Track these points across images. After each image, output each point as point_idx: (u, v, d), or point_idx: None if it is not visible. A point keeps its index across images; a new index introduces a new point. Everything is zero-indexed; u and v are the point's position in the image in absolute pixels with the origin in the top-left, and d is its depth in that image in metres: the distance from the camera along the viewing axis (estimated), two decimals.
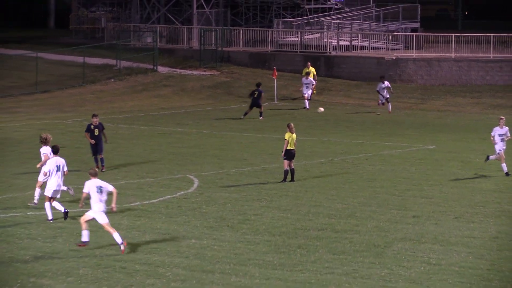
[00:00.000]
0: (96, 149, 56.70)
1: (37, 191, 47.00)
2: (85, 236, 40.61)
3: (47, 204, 45.32)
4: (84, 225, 40.83)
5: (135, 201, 47.48)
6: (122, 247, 40.27)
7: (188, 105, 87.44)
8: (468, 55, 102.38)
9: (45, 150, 48.37)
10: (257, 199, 48.15)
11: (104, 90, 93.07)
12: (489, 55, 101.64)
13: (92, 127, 56.80)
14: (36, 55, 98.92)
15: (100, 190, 41.27)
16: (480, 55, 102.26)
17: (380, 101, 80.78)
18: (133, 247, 39.16)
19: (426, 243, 39.61)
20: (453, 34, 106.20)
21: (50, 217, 44.85)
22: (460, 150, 64.99)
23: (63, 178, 46.51)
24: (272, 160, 57.29)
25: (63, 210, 44.33)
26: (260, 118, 77.32)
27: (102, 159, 56.59)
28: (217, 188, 50.96)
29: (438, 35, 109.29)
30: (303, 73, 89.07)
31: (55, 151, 46.76)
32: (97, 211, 40.59)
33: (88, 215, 40.63)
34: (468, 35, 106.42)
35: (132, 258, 37.37)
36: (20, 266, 36.54)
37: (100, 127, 57.53)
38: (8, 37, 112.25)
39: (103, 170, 55.14)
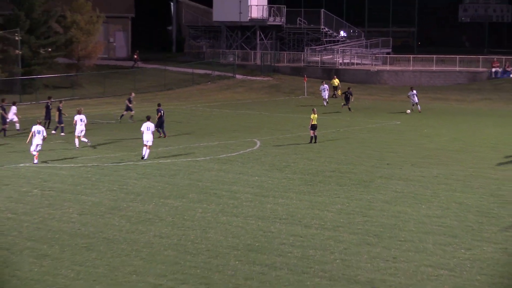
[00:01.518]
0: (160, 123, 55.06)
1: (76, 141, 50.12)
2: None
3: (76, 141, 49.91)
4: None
5: (222, 154, 48.73)
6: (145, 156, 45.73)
7: (254, 98, 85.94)
8: (420, 68, 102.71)
9: (77, 117, 50.16)
10: (294, 153, 48.87)
11: (204, 88, 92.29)
12: (432, 68, 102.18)
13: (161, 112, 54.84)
14: (165, 67, 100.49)
15: (148, 128, 45.86)
16: (427, 68, 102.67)
17: (411, 107, 73.33)
18: (220, 181, 40.71)
19: (394, 180, 40.43)
20: (411, 56, 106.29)
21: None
22: (416, 125, 64.31)
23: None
24: (304, 130, 56.40)
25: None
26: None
27: (163, 131, 55.12)
28: (270, 147, 51.38)
29: (402, 56, 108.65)
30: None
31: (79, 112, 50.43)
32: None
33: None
34: (420, 56, 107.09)
35: (220, 188, 38.49)
36: None
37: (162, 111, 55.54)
38: (150, 56, 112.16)
39: (165, 136, 54.96)
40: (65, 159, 46.42)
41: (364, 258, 27.03)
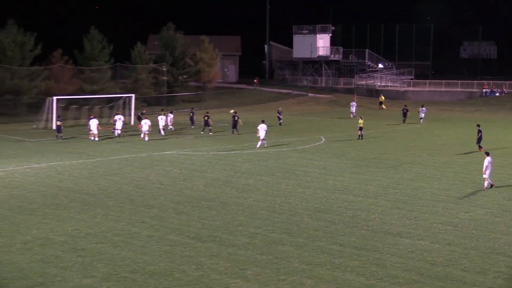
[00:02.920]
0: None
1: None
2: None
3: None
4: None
5: (299, 146, 48.11)
6: (262, 144, 45.98)
7: (320, 109, 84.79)
8: (433, 89, 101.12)
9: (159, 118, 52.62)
10: (348, 146, 48.32)
11: (286, 103, 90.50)
12: (441, 89, 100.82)
13: (236, 117, 54.53)
14: (261, 88, 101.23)
15: (262, 128, 46.50)
16: (438, 88, 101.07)
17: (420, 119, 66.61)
18: (297, 164, 40.43)
19: (416, 164, 40.68)
20: (427, 81, 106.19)
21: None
22: (430, 128, 62.63)
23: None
24: (354, 131, 55.22)
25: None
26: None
27: (237, 130, 54.49)
28: (331, 142, 50.73)
29: (421, 81, 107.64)
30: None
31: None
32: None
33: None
34: (433, 81, 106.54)
35: (297, 169, 38.83)
36: None
37: (236, 116, 54.95)
38: (248, 81, 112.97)
39: (239, 134, 54.13)
40: (195, 149, 46.84)
41: (395, 217, 27.08)
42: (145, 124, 50.92)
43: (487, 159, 32.36)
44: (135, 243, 22.51)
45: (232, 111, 57.98)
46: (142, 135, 50.84)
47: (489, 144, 49.96)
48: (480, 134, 46.71)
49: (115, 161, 40.41)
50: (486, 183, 32.86)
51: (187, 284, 18.74)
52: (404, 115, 66.04)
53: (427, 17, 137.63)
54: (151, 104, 76.99)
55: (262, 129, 46.66)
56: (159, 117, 55.07)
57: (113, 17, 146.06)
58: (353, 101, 74.81)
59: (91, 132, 50.57)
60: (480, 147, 45.67)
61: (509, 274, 20.02)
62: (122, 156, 42.44)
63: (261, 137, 46.79)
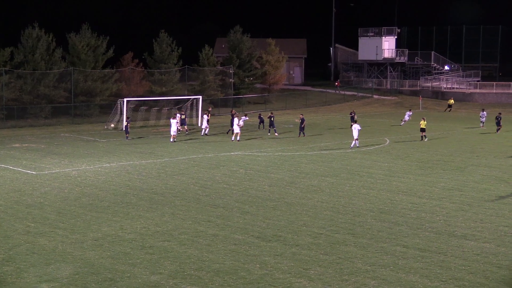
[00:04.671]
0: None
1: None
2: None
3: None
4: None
5: (363, 147, 47.88)
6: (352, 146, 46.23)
7: (385, 111, 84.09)
8: (500, 91, 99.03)
9: (237, 120, 51.02)
10: (412, 148, 47.90)
11: (351, 105, 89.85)
12: (510, 91, 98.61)
13: (271, 117, 54.67)
14: (325, 90, 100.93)
15: (355, 128, 47.46)
16: (506, 91, 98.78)
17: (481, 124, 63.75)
18: (361, 165, 40.22)
19: (481, 166, 40.01)
20: (494, 83, 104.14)
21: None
22: (496, 129, 60.66)
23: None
24: (416, 133, 54.14)
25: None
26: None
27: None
28: (396, 143, 50.47)
29: (487, 83, 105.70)
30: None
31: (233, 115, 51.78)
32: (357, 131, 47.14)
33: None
34: (500, 83, 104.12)
35: (361, 170, 38.80)
36: None
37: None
38: (315, 83, 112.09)
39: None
40: (261, 149, 46.96)
41: (460, 219, 26.46)
42: (237, 125, 50.65)
43: None
44: (201, 242, 22.68)
45: (300, 115, 57.52)
46: (233, 137, 50.82)
47: None
48: None
49: (182, 161, 40.85)
50: None
51: (251, 283, 18.77)
52: (498, 123, 59.67)
53: (494, 18, 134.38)
54: (218, 105, 77.63)
55: (355, 129, 47.47)
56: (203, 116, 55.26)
57: (182, 20, 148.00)
58: (410, 111, 69.21)
59: (173, 134, 50.65)
60: None
61: None
62: (190, 157, 42.89)
63: (355, 137, 47.63)
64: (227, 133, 55.61)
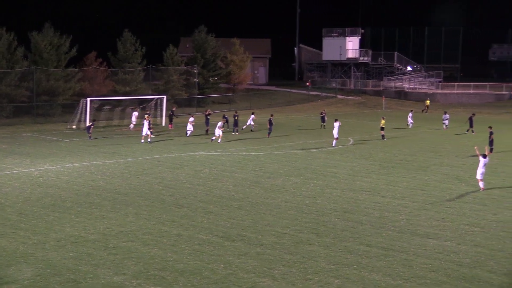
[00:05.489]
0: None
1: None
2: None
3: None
4: None
5: (327, 147, 47.99)
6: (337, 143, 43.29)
7: (348, 111, 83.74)
8: (461, 91, 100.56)
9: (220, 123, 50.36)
10: (375, 148, 48.16)
11: (315, 104, 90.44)
12: (470, 91, 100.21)
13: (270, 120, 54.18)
14: (290, 90, 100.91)
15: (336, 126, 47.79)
16: (466, 91, 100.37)
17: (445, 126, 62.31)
18: (325, 165, 40.09)
19: (443, 166, 40.24)
20: (455, 83, 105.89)
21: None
22: (459, 129, 61.54)
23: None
24: (376, 131, 53.78)
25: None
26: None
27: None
28: (359, 143, 50.41)
29: (449, 83, 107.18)
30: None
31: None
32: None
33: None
34: (461, 83, 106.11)
35: (325, 170, 38.60)
36: None
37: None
38: (280, 83, 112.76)
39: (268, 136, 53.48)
40: (225, 149, 46.90)
41: (422, 218, 26.80)
42: (218, 128, 50.13)
43: (483, 161, 31.82)
44: (165, 242, 22.60)
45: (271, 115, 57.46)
46: (214, 138, 50.35)
47: None
48: (491, 136, 45.69)
49: (146, 161, 40.61)
50: (481, 184, 32.27)
51: (215, 283, 18.75)
52: (471, 123, 58.64)
53: (455, 20, 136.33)
54: (182, 105, 77.32)
55: (335, 127, 48.18)
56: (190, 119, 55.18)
57: (146, 20, 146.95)
58: (411, 112, 66.39)
59: (144, 135, 50.03)
60: (491, 149, 44.70)
61: None
62: (154, 156, 42.66)
63: (335, 136, 48.24)
64: (207, 132, 55.27)
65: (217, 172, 36.80)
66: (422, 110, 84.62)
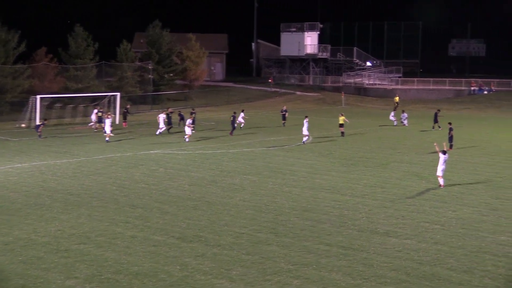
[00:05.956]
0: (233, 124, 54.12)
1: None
2: None
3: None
4: None
5: (286, 145, 48.24)
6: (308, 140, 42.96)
7: (308, 107, 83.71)
8: (421, 87, 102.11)
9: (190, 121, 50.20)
10: (334, 145, 48.53)
11: (274, 101, 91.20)
12: (430, 87, 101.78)
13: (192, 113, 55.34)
14: (248, 87, 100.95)
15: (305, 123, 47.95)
16: (426, 87, 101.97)
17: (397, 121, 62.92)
18: (284, 163, 40.12)
19: (403, 163, 40.55)
20: (415, 79, 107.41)
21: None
22: (418, 125, 62.74)
23: None
24: (335, 128, 54.01)
25: None
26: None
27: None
28: (318, 140, 50.73)
29: (409, 79, 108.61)
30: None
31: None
32: None
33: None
34: (421, 79, 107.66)
35: (284, 168, 38.65)
36: None
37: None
38: (237, 79, 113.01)
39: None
40: (181, 147, 46.71)
41: (382, 216, 27.02)
42: (187, 126, 49.86)
43: (443, 157, 32.29)
44: (119, 244, 22.40)
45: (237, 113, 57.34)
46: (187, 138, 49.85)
47: (478, 142, 50.27)
48: (451, 132, 46.26)
49: (99, 161, 40.23)
50: (441, 181, 32.75)
51: (171, 285, 18.65)
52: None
53: (415, 14, 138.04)
54: (136, 102, 76.82)
55: (304, 124, 48.64)
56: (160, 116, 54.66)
57: (99, 14, 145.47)
58: (404, 112, 64.90)
59: (106, 133, 49.57)
60: (451, 145, 45.25)
61: (495, 273, 19.98)
62: (107, 156, 42.28)
63: (304, 133, 48.61)
64: (168, 131, 55.01)
65: (173, 171, 36.62)
66: (395, 108, 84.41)
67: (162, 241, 22.85)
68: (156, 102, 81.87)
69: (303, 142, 48.80)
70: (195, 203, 28.85)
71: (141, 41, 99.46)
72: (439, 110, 62.36)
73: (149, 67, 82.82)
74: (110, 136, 49.39)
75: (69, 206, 28.06)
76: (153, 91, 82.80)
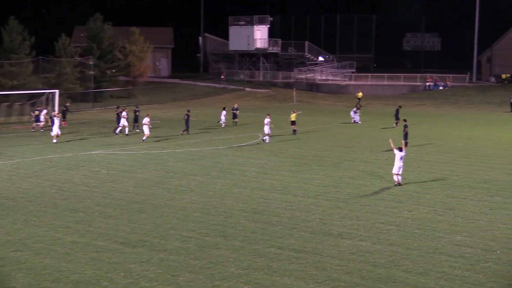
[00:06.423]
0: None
1: None
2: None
3: None
4: None
5: (235, 144, 48.52)
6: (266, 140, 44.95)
7: (258, 104, 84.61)
8: (375, 82, 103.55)
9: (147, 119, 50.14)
10: (286, 144, 48.75)
11: (222, 98, 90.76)
12: (384, 82, 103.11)
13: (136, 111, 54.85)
14: (195, 83, 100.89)
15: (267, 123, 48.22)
16: (380, 82, 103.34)
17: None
18: (233, 163, 40.33)
19: (357, 162, 40.95)
20: (369, 74, 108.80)
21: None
22: (373, 123, 64.06)
23: None
24: (287, 126, 54.62)
25: None
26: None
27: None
28: (269, 139, 51.13)
29: (362, 74, 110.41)
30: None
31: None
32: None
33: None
34: (375, 74, 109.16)
35: (233, 168, 38.54)
36: None
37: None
38: (184, 75, 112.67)
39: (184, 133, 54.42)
40: (124, 147, 46.36)
41: (336, 217, 27.16)
42: (145, 126, 49.41)
43: (399, 154, 32.76)
44: (59, 250, 22.11)
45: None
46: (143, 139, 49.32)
47: (433, 139, 51.03)
48: (406, 129, 46.81)
49: (37, 162, 39.67)
50: (399, 178, 33.20)
51: None
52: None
53: (368, 7, 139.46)
54: (76, 100, 75.93)
55: (265, 123, 48.86)
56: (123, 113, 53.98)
57: (35, 6, 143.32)
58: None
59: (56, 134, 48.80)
60: (406, 143, 45.73)
61: (451, 274, 20.27)
62: (46, 157, 41.72)
63: (266, 131, 48.91)
64: (114, 131, 54.44)
65: (116, 173, 36.35)
66: (357, 104, 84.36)
67: (105, 247, 22.63)
68: (97, 99, 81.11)
69: (265, 140, 49.06)
70: (139, 206, 28.65)
71: (81, 35, 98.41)
72: (400, 107, 63.15)
73: (90, 63, 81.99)
74: (54, 138, 48.56)
75: (3, 211, 27.56)
76: (95, 88, 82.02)
